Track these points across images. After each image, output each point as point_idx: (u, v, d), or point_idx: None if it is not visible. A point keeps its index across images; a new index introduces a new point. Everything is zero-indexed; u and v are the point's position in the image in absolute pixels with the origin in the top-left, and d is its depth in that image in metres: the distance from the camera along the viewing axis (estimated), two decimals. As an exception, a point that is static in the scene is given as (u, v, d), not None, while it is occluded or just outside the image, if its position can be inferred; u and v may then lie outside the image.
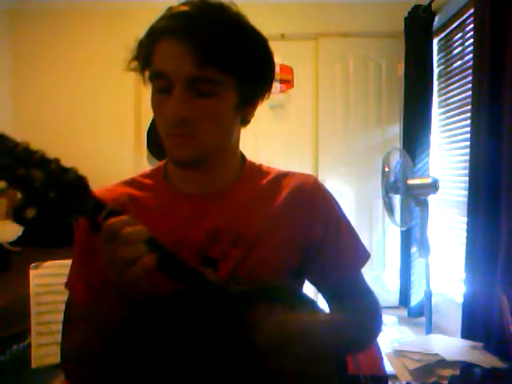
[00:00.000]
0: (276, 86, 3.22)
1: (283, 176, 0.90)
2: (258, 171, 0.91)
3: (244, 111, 0.82)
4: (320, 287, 0.92)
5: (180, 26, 0.72)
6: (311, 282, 0.92)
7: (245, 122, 0.85)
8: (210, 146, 0.79)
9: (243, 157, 0.92)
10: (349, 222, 0.92)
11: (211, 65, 0.71)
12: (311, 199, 0.87)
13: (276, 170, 0.92)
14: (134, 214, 0.65)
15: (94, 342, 0.74)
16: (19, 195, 0.58)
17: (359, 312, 0.88)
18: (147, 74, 0.78)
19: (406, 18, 2.99)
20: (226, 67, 0.73)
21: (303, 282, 0.92)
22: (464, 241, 2.16)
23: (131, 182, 0.89)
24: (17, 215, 0.58)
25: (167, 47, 0.73)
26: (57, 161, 0.60)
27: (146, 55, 0.76)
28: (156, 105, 0.77)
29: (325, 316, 0.84)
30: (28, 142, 0.59)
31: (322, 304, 0.88)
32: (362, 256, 0.91)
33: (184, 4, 0.75)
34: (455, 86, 2.70)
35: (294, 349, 0.71)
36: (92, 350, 0.75)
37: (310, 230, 0.86)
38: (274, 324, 0.71)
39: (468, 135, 2.16)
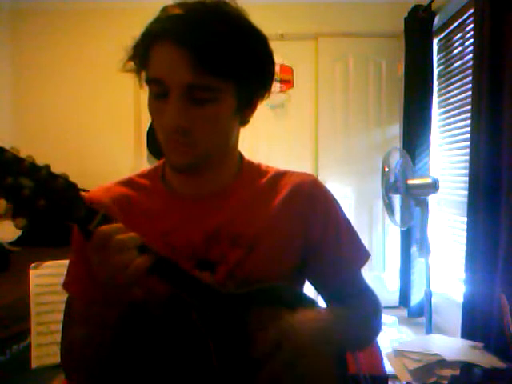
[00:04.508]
0: (276, 85, 3.22)
1: (282, 175, 0.89)
2: (256, 170, 0.89)
3: (243, 113, 0.80)
4: (319, 287, 0.91)
5: (176, 31, 0.70)
6: (311, 282, 0.91)
7: (244, 122, 0.83)
8: (208, 152, 0.78)
9: (241, 156, 0.90)
10: (348, 221, 0.91)
11: (209, 72, 0.70)
12: (310, 198, 0.86)
13: (274, 169, 0.91)
14: (125, 218, 0.65)
15: (92, 343, 0.74)
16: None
17: (359, 310, 0.87)
18: (144, 75, 0.76)
19: (406, 18, 2.99)
20: (224, 74, 0.71)
21: (303, 282, 0.91)
22: (464, 241, 2.16)
23: (128, 182, 0.87)
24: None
25: (163, 52, 0.71)
26: (47, 167, 0.58)
27: (141, 58, 0.75)
28: (153, 110, 0.76)
29: (327, 315, 0.83)
30: (17, 148, 0.56)
31: (322, 304, 0.88)
32: (362, 255, 0.90)
33: (179, 6, 0.72)
34: (455, 85, 2.70)
35: (301, 355, 0.69)
36: (90, 350, 0.75)
37: (310, 229, 0.85)
38: (278, 330, 0.70)
39: (468, 135, 2.16)
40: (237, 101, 0.76)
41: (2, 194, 0.55)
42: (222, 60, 0.70)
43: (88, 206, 0.62)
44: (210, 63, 0.69)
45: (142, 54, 0.75)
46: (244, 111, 0.80)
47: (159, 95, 0.73)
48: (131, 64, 0.77)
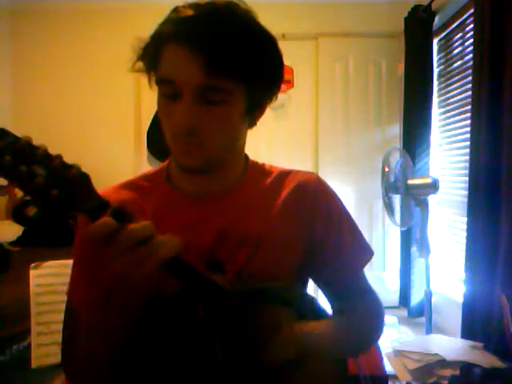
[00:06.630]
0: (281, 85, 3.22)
1: (286, 174, 0.90)
2: (260, 171, 0.91)
3: (252, 116, 0.81)
4: (323, 286, 0.92)
5: (187, 33, 0.70)
6: (314, 281, 0.92)
7: (252, 124, 0.84)
8: (217, 154, 0.78)
9: (246, 157, 0.92)
10: (352, 219, 0.92)
11: (221, 74, 0.70)
12: (314, 197, 0.87)
13: (278, 168, 0.92)
14: (137, 211, 0.64)
15: (103, 345, 0.74)
16: (20, 194, 0.57)
17: (362, 314, 0.87)
18: (153, 76, 0.76)
19: (406, 18, 2.99)
20: (235, 76, 0.71)
21: (307, 281, 0.92)
22: (464, 241, 2.16)
23: (131, 185, 0.87)
24: (18, 213, 0.57)
25: (175, 54, 0.71)
26: (59, 157, 0.58)
27: (152, 58, 0.75)
28: (163, 110, 0.76)
29: (330, 324, 0.83)
30: (30, 136, 0.57)
31: (323, 302, 0.88)
32: (365, 253, 0.92)
33: (191, 7, 0.73)
34: (455, 85, 2.70)
35: (304, 362, 0.71)
36: (100, 353, 0.74)
37: (313, 227, 0.86)
38: (283, 339, 0.71)
39: (468, 135, 2.16)
40: (247, 103, 0.76)
41: (15, 181, 0.55)
42: (233, 62, 0.70)
43: (100, 198, 0.61)
44: (222, 65, 0.69)
45: (152, 55, 0.75)
46: (253, 113, 0.81)
47: (170, 96, 0.73)
48: (139, 64, 0.77)
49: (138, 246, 0.59)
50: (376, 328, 0.91)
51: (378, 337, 0.92)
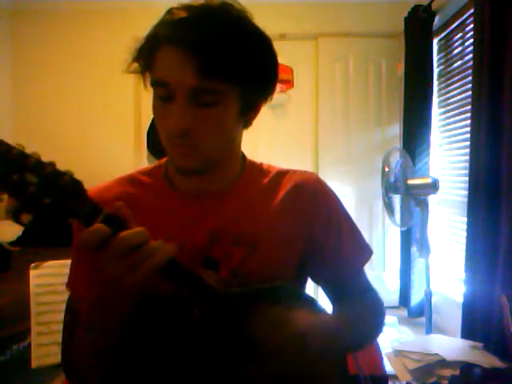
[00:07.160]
0: (276, 85, 3.22)
1: (284, 174, 0.90)
2: (258, 170, 0.90)
3: (247, 116, 0.81)
4: (322, 285, 0.92)
5: (181, 35, 0.71)
6: (314, 280, 0.92)
7: (247, 125, 0.84)
8: (213, 155, 0.78)
9: (243, 156, 0.91)
10: (351, 218, 0.91)
11: (214, 76, 0.70)
12: (312, 196, 0.87)
13: (276, 168, 0.92)
14: (131, 216, 0.64)
15: (101, 344, 0.74)
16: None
17: (362, 311, 0.87)
18: (148, 77, 0.77)
19: (406, 18, 2.99)
20: (229, 78, 0.71)
21: (306, 281, 0.91)
22: (464, 241, 2.16)
23: (130, 180, 0.87)
24: (15, 218, 0.57)
25: (169, 56, 0.71)
26: (52, 164, 0.58)
27: (146, 60, 0.75)
28: (157, 112, 0.76)
29: (329, 316, 0.84)
30: (22, 145, 0.56)
31: (323, 302, 0.88)
32: (364, 253, 0.91)
33: (185, 9, 0.73)
34: (455, 85, 2.70)
35: (296, 347, 0.70)
36: (99, 353, 0.75)
37: (312, 227, 0.86)
38: (276, 320, 0.70)
39: (468, 135, 2.16)
40: (241, 104, 0.76)
41: (8, 190, 0.55)
42: (227, 64, 0.70)
43: (92, 204, 0.61)
44: (215, 67, 0.70)
45: (146, 57, 0.75)
46: (248, 114, 0.81)
47: (164, 98, 0.74)
48: (135, 65, 0.78)
49: (131, 253, 0.60)
50: (376, 325, 0.91)
51: (378, 334, 0.92)
